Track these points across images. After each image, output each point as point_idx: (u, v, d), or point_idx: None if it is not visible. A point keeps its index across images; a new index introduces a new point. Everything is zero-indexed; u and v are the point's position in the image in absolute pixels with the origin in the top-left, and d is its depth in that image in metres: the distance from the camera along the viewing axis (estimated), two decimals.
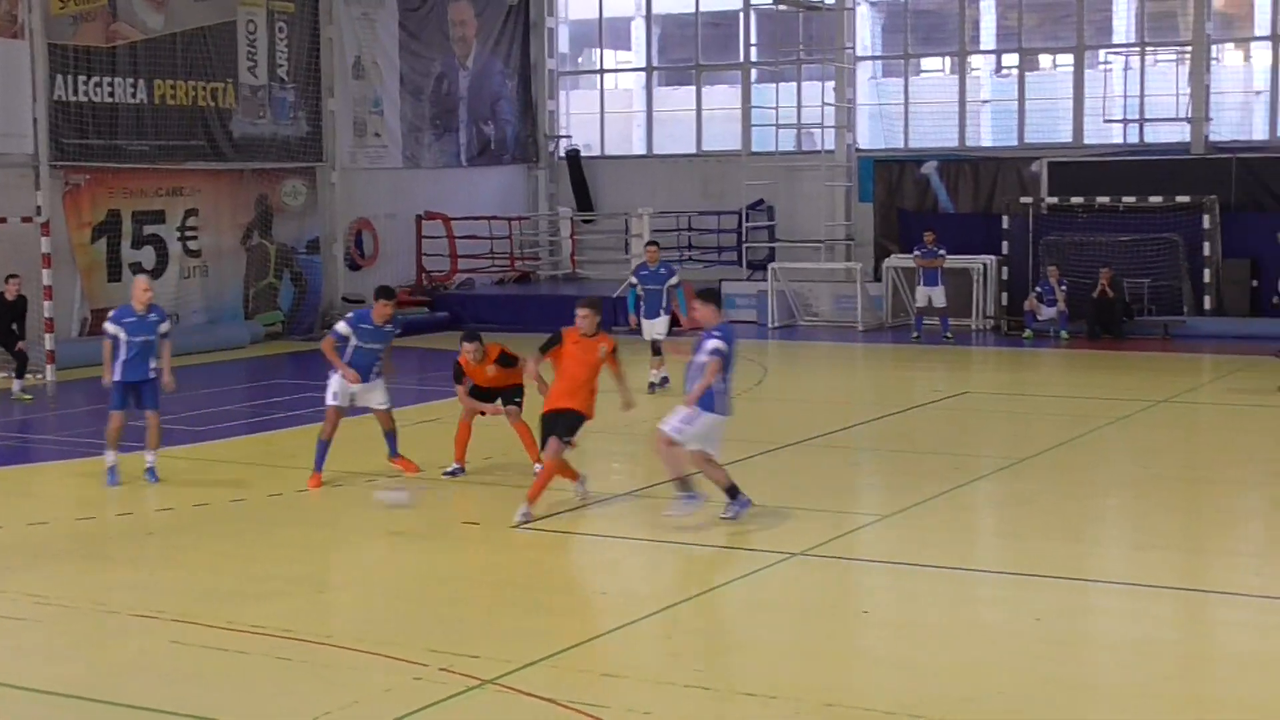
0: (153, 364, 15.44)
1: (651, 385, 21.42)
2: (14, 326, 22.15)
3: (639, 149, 38.23)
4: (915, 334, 28.87)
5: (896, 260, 31.12)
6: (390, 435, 15.71)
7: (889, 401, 21.77)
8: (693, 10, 37.33)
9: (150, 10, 27.83)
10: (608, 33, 39.27)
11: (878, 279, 31.74)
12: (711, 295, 13.79)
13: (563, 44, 38.69)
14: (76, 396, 22.34)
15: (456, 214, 34.24)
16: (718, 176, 34.83)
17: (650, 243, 23.65)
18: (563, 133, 37.96)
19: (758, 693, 9.08)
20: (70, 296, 26.20)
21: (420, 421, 18.95)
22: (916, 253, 29.21)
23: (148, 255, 27.95)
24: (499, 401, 15.57)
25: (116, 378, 15.36)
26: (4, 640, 10.66)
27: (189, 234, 28.78)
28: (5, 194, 25.04)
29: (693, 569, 12.48)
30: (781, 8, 34.23)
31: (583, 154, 37.40)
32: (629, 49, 39.34)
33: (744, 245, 34.07)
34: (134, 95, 27.51)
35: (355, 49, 32.26)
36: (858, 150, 34.54)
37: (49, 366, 23.49)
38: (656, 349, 21.73)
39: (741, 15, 35.76)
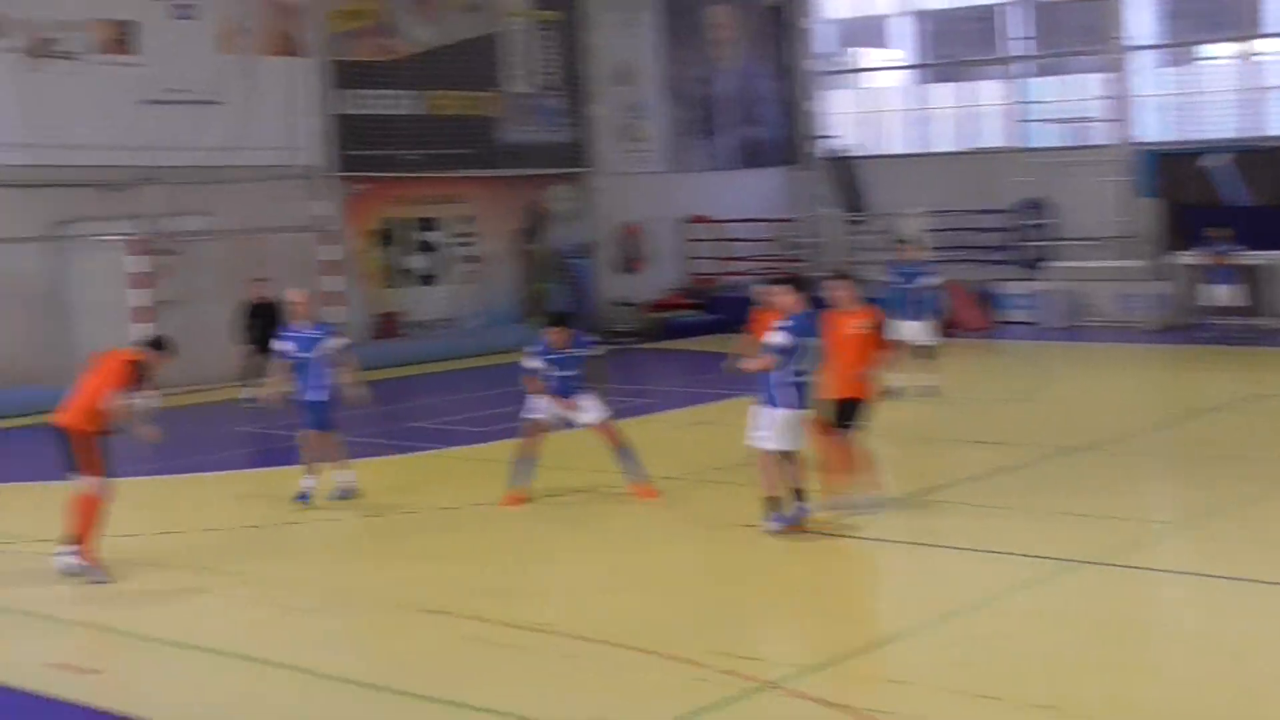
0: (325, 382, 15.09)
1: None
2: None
3: (905, 147, 37.74)
4: (1205, 334, 27.82)
5: (1183, 257, 30.04)
6: (623, 451, 14.79)
7: (1178, 404, 21.02)
8: (957, 4, 36.73)
9: (421, 24, 28.49)
10: (869, 30, 38.89)
11: (1161, 277, 30.72)
12: (797, 283, 13.46)
13: (823, 43, 38.41)
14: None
15: (722, 217, 34.26)
16: (989, 174, 34.10)
17: (901, 240, 22.38)
18: (825, 133, 37.67)
19: (1048, 704, 8.79)
20: (354, 302, 26.92)
21: (694, 424, 18.96)
22: (1206, 249, 28.16)
23: (423, 262, 28.62)
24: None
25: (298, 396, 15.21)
26: (298, 629, 10.98)
27: (463, 240, 29.36)
28: (286, 205, 25.88)
29: (972, 575, 12.17)
30: None
31: (847, 154, 37.08)
32: (891, 46, 38.88)
33: (1017, 244, 33.36)
34: (408, 107, 28.17)
35: (618, 55, 32.52)
36: (1137, 143, 33.47)
37: None
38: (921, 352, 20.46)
39: (1010, 7, 35.09)
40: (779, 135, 36.76)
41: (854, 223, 36.22)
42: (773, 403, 12.84)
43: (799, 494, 13.02)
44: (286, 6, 26.26)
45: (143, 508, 14.43)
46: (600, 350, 15.27)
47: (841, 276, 14.79)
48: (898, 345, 19.56)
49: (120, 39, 23.92)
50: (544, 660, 9.86)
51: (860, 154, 37.09)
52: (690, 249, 34.31)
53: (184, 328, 22.48)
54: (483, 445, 18.45)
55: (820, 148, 37.36)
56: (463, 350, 27.57)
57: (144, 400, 13.02)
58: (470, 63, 29.27)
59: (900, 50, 38.47)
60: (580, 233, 31.68)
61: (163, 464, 16.48)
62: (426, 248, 28.77)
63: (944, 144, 36.68)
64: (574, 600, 11.43)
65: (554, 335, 14.83)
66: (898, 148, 37.74)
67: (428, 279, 28.60)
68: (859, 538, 13.51)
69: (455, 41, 29.05)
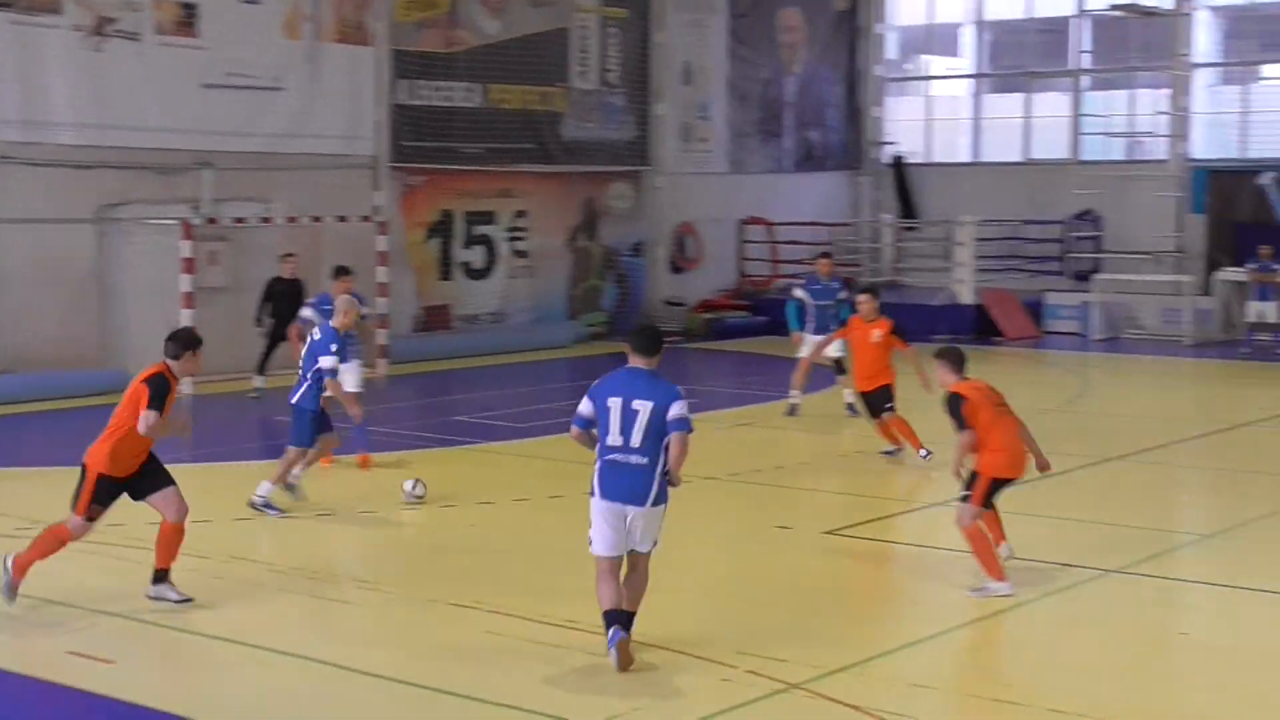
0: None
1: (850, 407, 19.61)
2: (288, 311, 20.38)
3: (965, 156, 37.74)
4: (1244, 350, 27.86)
5: (1229, 274, 30.06)
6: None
7: (1215, 418, 21.06)
8: (1024, 16, 36.75)
9: (488, 16, 28.69)
10: (936, 39, 38.90)
11: (1208, 293, 30.72)
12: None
13: (890, 50, 38.47)
14: (406, 390, 23.17)
15: (779, 219, 34.37)
16: (1045, 185, 34.11)
17: (823, 254, 21.88)
18: (888, 139, 37.72)
19: (1070, 710, 8.90)
20: (404, 293, 27.19)
21: (736, 425, 19.10)
22: (1251, 266, 28.17)
23: (478, 255, 28.85)
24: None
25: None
26: (327, 622, 11.16)
27: (518, 235, 29.58)
28: (346, 194, 26.05)
29: None
30: (1117, 14, 33.38)
31: (908, 160, 37.13)
32: (958, 55, 38.89)
33: (1067, 255, 33.39)
34: (470, 99, 28.37)
35: (685, 55, 32.67)
36: (1192, 160, 33.42)
37: (382, 361, 24.36)
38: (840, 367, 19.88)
39: (1074, 21, 35.08)
40: (841, 140, 36.84)
41: (908, 229, 36.29)
42: None
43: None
44: None
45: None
46: None
47: (867, 290, 17.51)
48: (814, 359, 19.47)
49: (184, 20, 24.03)
50: (571, 657, 9.96)
51: (920, 161, 37.16)
52: (744, 250, 34.45)
53: (233, 314, 22.89)
54: (523, 441, 18.64)
55: (881, 153, 37.42)
56: (511, 345, 27.81)
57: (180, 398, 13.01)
58: (535, 57, 29.43)
59: (965, 59, 38.45)
60: (636, 231, 31.86)
61: (202, 451, 16.62)
62: (480, 241, 29.01)
63: (1003, 154, 36.65)
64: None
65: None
66: (957, 156, 37.76)
67: (480, 273, 28.81)
68: (886, 541, 13.68)
69: (521, 35, 29.23)
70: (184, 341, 11.17)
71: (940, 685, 9.59)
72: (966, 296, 30.64)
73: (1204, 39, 34.18)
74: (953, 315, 29.94)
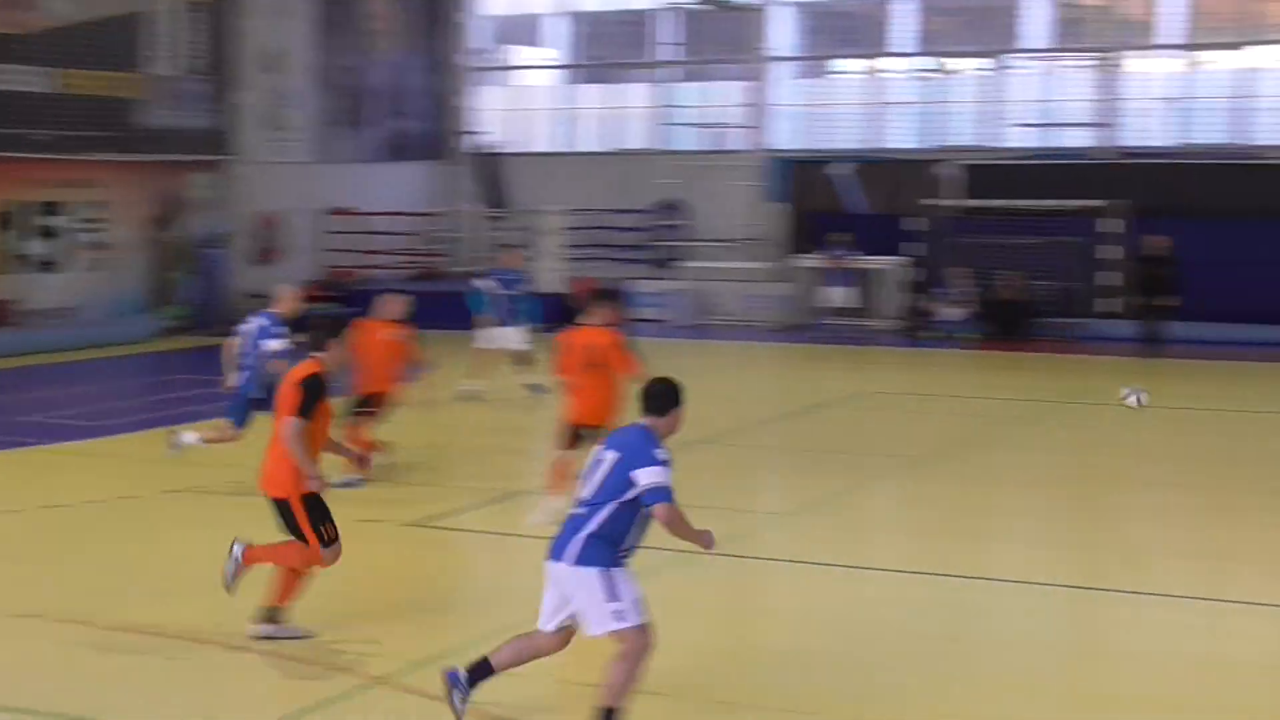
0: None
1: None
2: None
3: (552, 146, 38.08)
4: (821, 334, 29.01)
5: (806, 261, 31.20)
6: None
7: (791, 400, 21.82)
8: (612, 8, 37.27)
9: None
10: (523, 28, 39.11)
11: (784, 279, 31.81)
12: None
13: (479, 39, 38.47)
14: None
15: (367, 209, 33.97)
16: (632, 175, 34.72)
17: (508, 245, 22.60)
18: (474, 128, 37.74)
19: (661, 691, 8.91)
20: None
21: None
22: (824, 253, 29.29)
23: (44, 247, 27.47)
24: None
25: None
26: None
27: (91, 226, 28.32)
28: None
29: None
30: (702, 7, 34.19)
31: (496, 151, 37.22)
32: (545, 45, 39.21)
33: (651, 244, 34.08)
34: (39, 84, 27.00)
35: (268, 41, 31.93)
36: (771, 151, 34.56)
37: None
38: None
39: (659, 14, 35.81)
40: (428, 129, 36.66)
41: (495, 219, 36.38)
42: None
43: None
44: None
45: None
46: None
47: (397, 292, 16.41)
48: (497, 352, 20.13)
49: None
50: (147, 663, 9.55)
51: (507, 151, 37.29)
52: (329, 241, 33.91)
53: None
54: (96, 440, 17.84)
55: (468, 143, 37.40)
56: (85, 340, 26.61)
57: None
58: (111, 41, 28.24)
59: (553, 50, 38.79)
60: (217, 222, 30.97)
61: None
62: (48, 233, 27.67)
63: (590, 144, 37.14)
64: (187, 599, 11.05)
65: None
66: (545, 146, 38.06)
67: (48, 265, 27.49)
68: (465, 531, 13.62)
69: (96, 18, 27.99)
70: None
71: (533, 673, 9.51)
72: (551, 285, 30.86)
73: (783, 33, 35.33)
74: (538, 304, 30.00)
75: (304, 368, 10.08)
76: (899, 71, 35.22)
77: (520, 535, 13.32)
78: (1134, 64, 33.16)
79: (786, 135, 35.15)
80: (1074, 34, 33.55)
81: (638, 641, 8.16)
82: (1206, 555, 13.03)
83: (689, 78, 36.59)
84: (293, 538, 9.88)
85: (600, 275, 31.92)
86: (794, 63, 36.20)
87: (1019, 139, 33.15)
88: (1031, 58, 33.72)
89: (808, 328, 30.12)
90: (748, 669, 9.80)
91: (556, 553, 8.26)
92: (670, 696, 8.95)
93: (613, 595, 8.11)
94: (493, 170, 36.82)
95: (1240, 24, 32.48)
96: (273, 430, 9.95)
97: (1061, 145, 32.68)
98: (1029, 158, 32.35)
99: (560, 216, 31.75)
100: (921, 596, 11.45)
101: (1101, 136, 32.23)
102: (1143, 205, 30.16)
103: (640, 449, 8.29)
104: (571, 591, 8.26)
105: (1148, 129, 32.65)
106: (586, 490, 8.33)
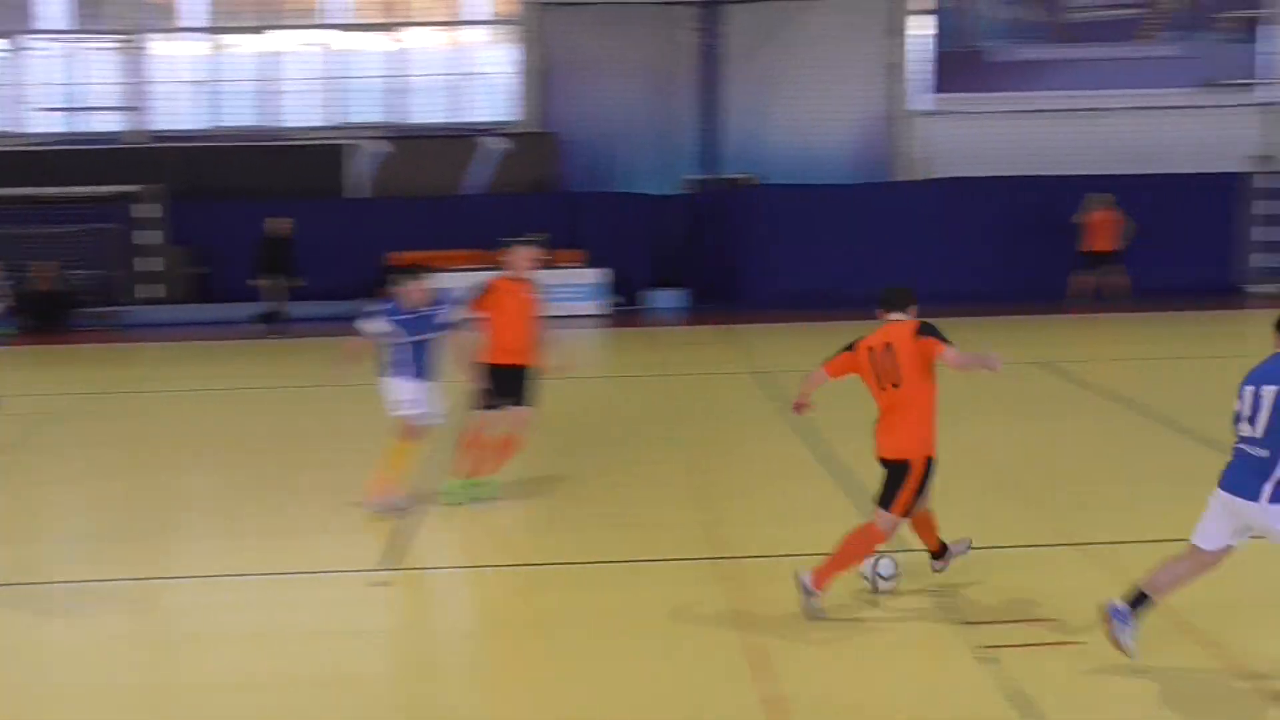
0: None
1: None
2: None
3: None
4: None
5: None
6: None
7: None
8: None
9: None
10: None
11: None
12: None
13: None
14: None
15: None
16: None
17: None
18: None
19: None
20: None
21: None
22: None
23: None
24: None
25: None
26: None
27: None
28: None
29: None
30: None
31: None
32: None
33: None
34: None
35: None
36: None
37: None
38: None
39: None
40: None
41: None
42: None
43: None
44: None
45: None
46: None
47: None
48: None
49: None
50: None
51: None
52: None
53: None
54: None
55: None
56: None
57: None
58: None
59: None
60: None
61: None
62: None
63: None
64: None
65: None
66: None
67: None
68: None
69: None
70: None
71: None
72: None
73: None
74: None
75: (908, 324, 9.71)
76: None
77: None
78: (159, 47, 32.79)
79: None
80: (94, 16, 32.66)
81: None
82: (266, 532, 12.87)
83: None
84: (882, 508, 9.62)
85: None
86: None
87: (44, 124, 31.99)
88: (51, 39, 32.55)
89: None
90: None
91: (1237, 488, 8.16)
92: None
93: None
94: None
95: (261, 9, 32.94)
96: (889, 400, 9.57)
97: (90, 130, 31.87)
98: (55, 143, 31.31)
99: None
100: None
101: (132, 120, 31.82)
102: (179, 189, 30.03)
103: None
104: (1263, 529, 8.17)
105: (178, 112, 32.46)
106: (1257, 428, 8.09)
